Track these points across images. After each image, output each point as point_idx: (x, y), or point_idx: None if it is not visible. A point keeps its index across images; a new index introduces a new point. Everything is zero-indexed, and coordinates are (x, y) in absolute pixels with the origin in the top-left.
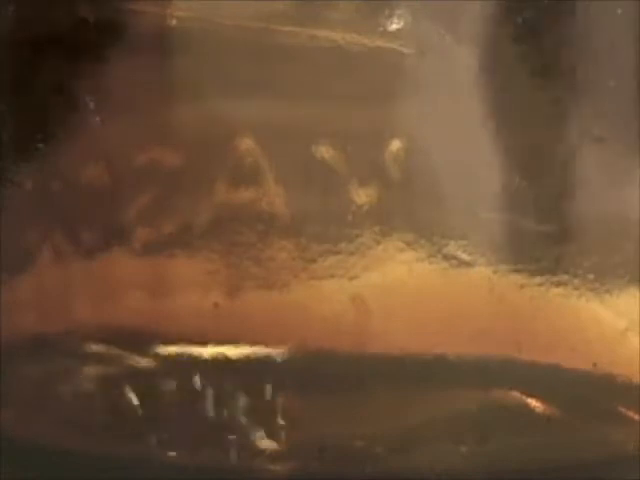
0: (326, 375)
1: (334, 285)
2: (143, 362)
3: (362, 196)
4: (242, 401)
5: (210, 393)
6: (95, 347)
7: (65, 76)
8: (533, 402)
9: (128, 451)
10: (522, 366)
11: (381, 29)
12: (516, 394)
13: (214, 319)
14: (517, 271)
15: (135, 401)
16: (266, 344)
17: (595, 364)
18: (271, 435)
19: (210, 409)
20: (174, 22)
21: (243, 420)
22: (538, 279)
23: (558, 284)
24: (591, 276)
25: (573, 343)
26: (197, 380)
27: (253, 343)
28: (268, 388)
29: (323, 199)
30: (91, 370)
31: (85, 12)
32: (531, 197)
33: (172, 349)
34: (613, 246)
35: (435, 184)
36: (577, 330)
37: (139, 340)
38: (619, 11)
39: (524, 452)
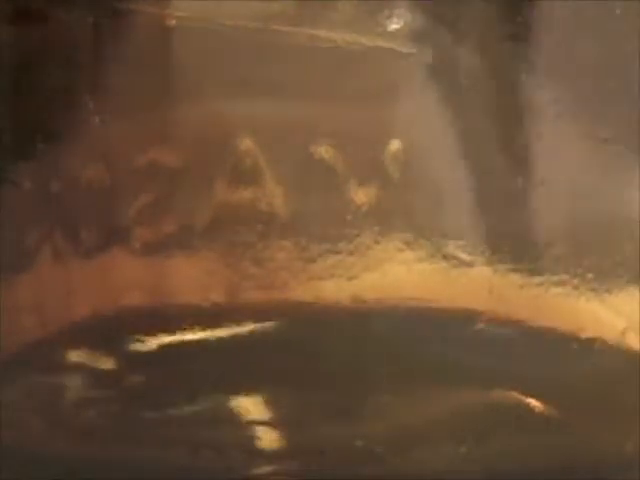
0: (326, 375)
1: (334, 285)
2: (142, 362)
3: (361, 196)
4: (241, 401)
5: (209, 393)
6: (94, 347)
7: (65, 76)
8: (533, 402)
9: (127, 453)
10: (522, 366)
11: (380, 29)
12: (516, 394)
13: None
14: (517, 271)
15: (133, 401)
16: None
17: (595, 364)
18: (270, 435)
19: (209, 409)
20: (174, 22)
21: (242, 420)
22: (538, 279)
23: (558, 284)
24: (591, 276)
25: (573, 343)
26: (196, 380)
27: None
28: (267, 388)
29: (323, 199)
30: (89, 370)
31: (85, 12)
32: (531, 197)
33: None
34: (613, 246)
35: (435, 184)
36: (577, 330)
37: (138, 340)
38: (618, 11)
39: (524, 452)
